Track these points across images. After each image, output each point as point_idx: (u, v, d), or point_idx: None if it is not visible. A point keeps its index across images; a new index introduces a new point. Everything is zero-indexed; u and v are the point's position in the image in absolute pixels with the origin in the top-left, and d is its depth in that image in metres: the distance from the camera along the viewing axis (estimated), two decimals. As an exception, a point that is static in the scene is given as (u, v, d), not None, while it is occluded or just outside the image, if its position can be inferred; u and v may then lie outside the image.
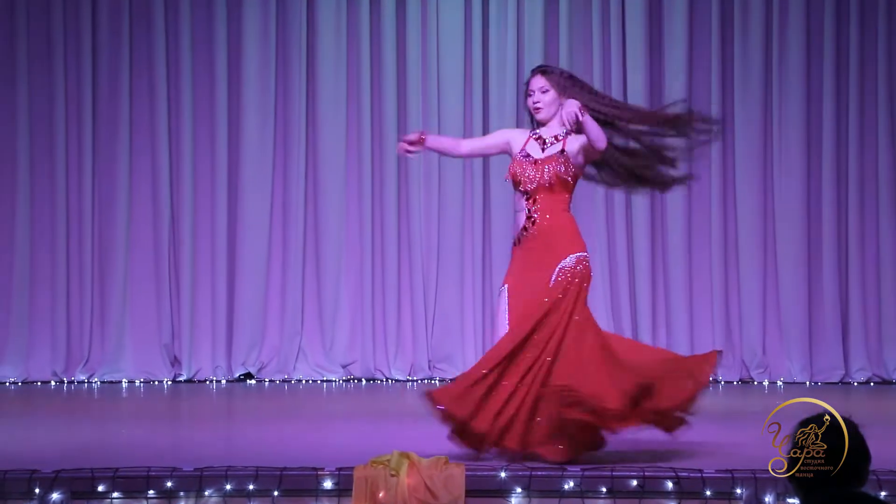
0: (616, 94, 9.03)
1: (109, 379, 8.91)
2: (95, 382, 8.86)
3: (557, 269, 5.35)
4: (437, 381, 8.98)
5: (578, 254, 5.40)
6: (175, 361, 9.00)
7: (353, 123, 9.07)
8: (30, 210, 8.90)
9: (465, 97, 9.11)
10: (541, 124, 5.54)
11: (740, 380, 8.98)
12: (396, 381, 9.01)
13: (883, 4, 9.02)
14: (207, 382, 8.93)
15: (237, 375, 9.00)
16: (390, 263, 9.05)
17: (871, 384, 8.90)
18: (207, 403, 8.15)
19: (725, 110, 9.06)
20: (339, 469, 4.88)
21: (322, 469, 4.90)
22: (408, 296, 9.09)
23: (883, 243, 9.03)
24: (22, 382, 8.82)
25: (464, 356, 9.05)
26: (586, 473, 4.89)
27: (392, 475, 4.83)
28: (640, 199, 9.05)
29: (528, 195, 5.45)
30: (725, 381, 8.94)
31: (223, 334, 8.99)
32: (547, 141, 5.50)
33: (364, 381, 8.98)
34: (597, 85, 9.00)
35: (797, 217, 9.04)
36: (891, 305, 9.01)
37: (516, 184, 5.49)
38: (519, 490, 4.84)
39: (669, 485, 4.83)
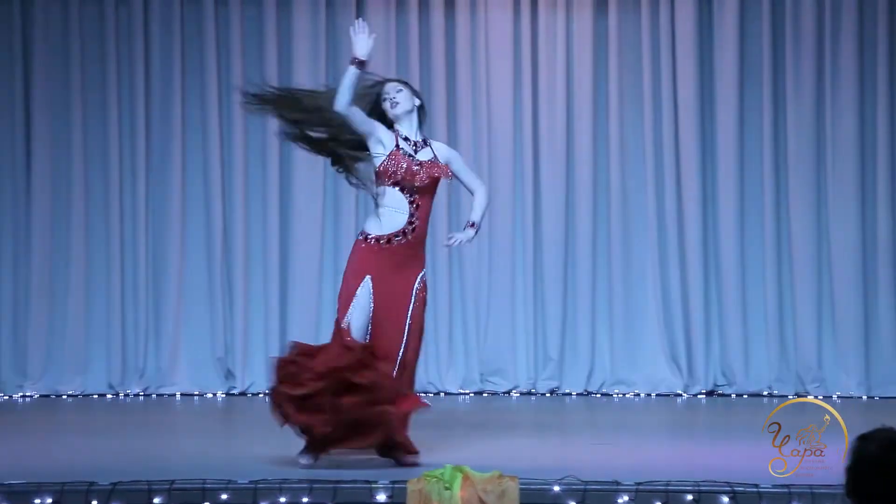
0: (667, 105, 9.01)
1: (164, 392, 8.97)
2: (151, 395, 8.93)
3: (418, 280, 5.76)
4: (488, 394, 8.98)
5: (425, 269, 5.82)
6: (229, 374, 9.05)
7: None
8: (85, 226, 8.99)
9: (515, 105, 9.10)
10: (393, 123, 5.85)
11: (796, 394, 8.89)
12: (448, 393, 9.01)
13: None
14: (261, 395, 8.97)
15: (290, 388, 9.02)
16: (441, 275, 9.05)
17: (930, 398, 8.79)
18: (261, 416, 8.17)
19: (777, 120, 9.00)
20: (393, 482, 4.89)
21: (376, 482, 4.91)
22: (459, 308, 9.10)
23: (942, 254, 8.92)
24: (79, 395, 8.91)
25: (515, 368, 9.04)
26: (641, 487, 4.86)
27: (446, 489, 4.83)
28: (693, 213, 9.01)
29: (411, 197, 5.71)
30: (780, 395, 8.86)
31: (276, 347, 9.02)
32: (417, 144, 5.84)
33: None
34: (647, 96, 9.06)
35: (852, 229, 8.95)
36: (950, 318, 8.90)
37: (396, 182, 5.69)
38: (573, 503, 4.83)
39: (725, 499, 4.79)
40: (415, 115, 5.91)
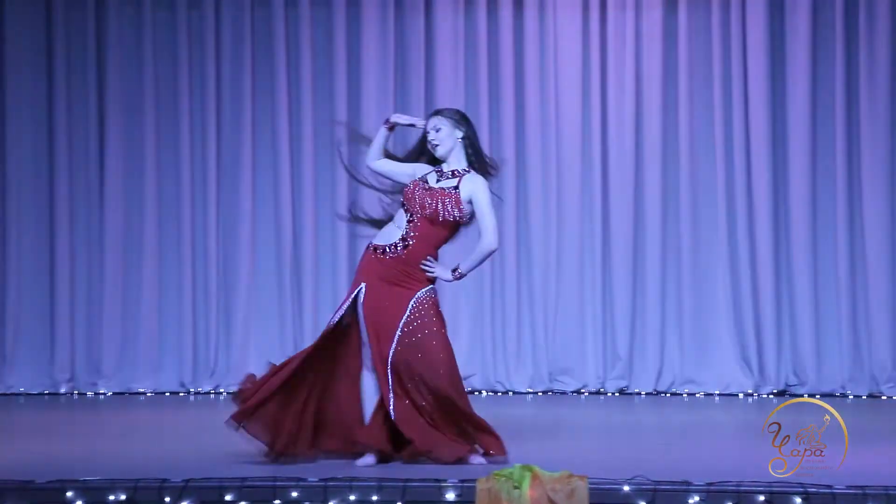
0: (737, 103, 8.92)
1: (234, 390, 9.03)
2: (221, 393, 9.02)
3: (413, 300, 5.72)
4: (556, 394, 8.95)
5: (431, 287, 5.78)
6: (298, 373, 9.10)
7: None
8: (157, 227, 9.10)
9: (583, 105, 9.06)
10: (442, 161, 5.86)
11: (869, 394, 8.77)
12: (517, 392, 9.00)
13: None
14: (330, 394, 9.01)
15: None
16: (510, 274, 9.04)
17: None
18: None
19: (851, 118, 8.88)
20: (462, 481, 4.90)
21: (445, 481, 4.91)
22: (527, 307, 9.09)
23: None
24: (152, 393, 9.02)
25: (584, 367, 9.01)
26: (712, 488, 4.83)
27: (515, 488, 4.82)
28: (764, 211, 8.93)
29: (410, 217, 5.78)
30: (854, 396, 8.75)
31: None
32: (444, 173, 5.84)
33: (484, 393, 8.98)
34: (717, 95, 8.98)
35: (928, 227, 8.82)
36: None
37: (404, 205, 5.81)
38: (643, 503, 4.80)
39: (798, 501, 4.74)
40: (460, 149, 5.88)
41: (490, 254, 5.86)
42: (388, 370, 5.68)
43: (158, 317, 9.08)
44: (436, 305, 5.81)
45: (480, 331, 9.05)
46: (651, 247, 9.02)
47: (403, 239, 5.78)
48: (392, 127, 5.96)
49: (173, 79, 9.09)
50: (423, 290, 5.77)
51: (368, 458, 5.67)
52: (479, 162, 5.90)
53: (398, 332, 5.69)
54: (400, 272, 5.77)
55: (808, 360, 8.87)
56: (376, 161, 5.96)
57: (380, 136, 5.98)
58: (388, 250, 5.79)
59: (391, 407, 5.65)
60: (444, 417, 5.70)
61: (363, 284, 5.78)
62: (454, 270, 5.82)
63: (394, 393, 5.67)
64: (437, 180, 5.82)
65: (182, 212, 9.10)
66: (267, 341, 9.09)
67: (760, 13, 8.92)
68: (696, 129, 9.04)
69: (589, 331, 9.03)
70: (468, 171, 5.86)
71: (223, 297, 9.11)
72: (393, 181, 5.98)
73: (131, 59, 9.09)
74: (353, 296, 5.80)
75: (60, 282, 9.05)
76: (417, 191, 5.79)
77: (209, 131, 9.10)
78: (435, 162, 5.92)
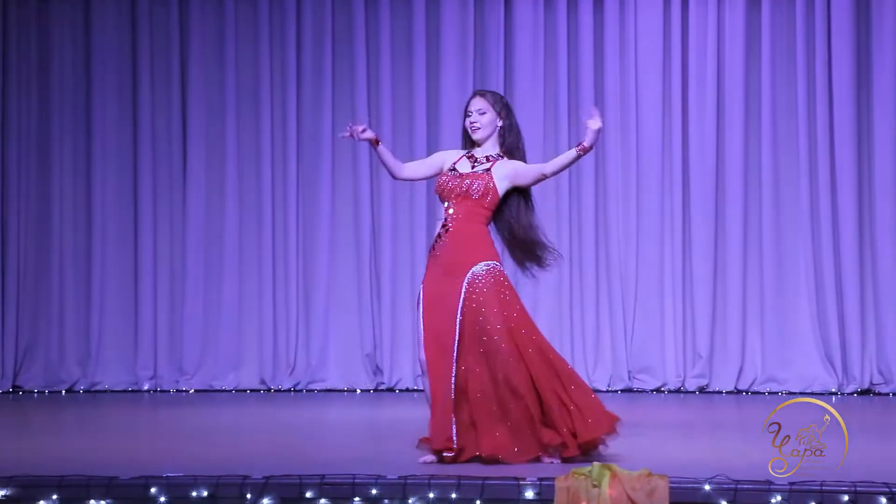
0: (821, 100, 8.79)
1: (314, 387, 9.12)
2: (301, 391, 9.09)
3: (467, 278, 5.53)
4: (636, 392, 8.90)
5: (488, 262, 5.55)
6: (377, 370, 9.15)
7: (549, 132, 9.07)
8: (237, 226, 9.20)
9: (664, 101, 9.00)
10: (476, 144, 5.70)
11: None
12: (596, 391, 8.95)
13: None
14: (408, 391, 9.05)
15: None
16: (588, 273, 9.01)
17: None
18: (409, 412, 8.25)
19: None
20: (541, 479, 4.88)
21: (524, 479, 4.91)
22: (606, 305, 9.04)
23: None
24: (233, 390, 9.12)
25: (664, 366, 8.94)
26: (794, 487, 4.76)
27: (594, 486, 4.80)
28: (848, 207, 8.79)
29: (446, 204, 5.63)
30: (940, 394, 8.61)
31: (423, 344, 9.09)
32: (478, 159, 5.66)
33: (563, 392, 8.95)
34: (800, 92, 8.86)
35: None
36: None
37: (440, 196, 5.66)
38: (724, 503, 4.74)
39: (883, 500, 4.66)
40: (495, 138, 5.71)
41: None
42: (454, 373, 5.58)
43: (239, 315, 9.17)
44: (497, 279, 5.56)
45: (559, 329, 9.02)
46: (732, 243, 8.93)
47: (444, 226, 5.64)
48: (375, 141, 5.67)
49: (254, 73, 9.17)
50: (475, 267, 5.57)
51: (429, 457, 5.63)
52: (511, 154, 5.69)
53: (455, 333, 5.54)
54: (451, 257, 5.59)
55: (893, 358, 8.72)
56: (400, 172, 5.76)
57: (382, 156, 5.71)
58: (436, 246, 5.67)
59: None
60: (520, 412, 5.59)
61: (421, 286, 5.68)
62: (579, 146, 5.49)
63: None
64: (472, 167, 5.66)
65: (262, 211, 9.18)
66: (346, 340, 9.14)
67: (846, 8, 8.78)
68: (779, 125, 8.93)
69: (668, 329, 8.97)
70: (501, 157, 5.69)
71: (303, 295, 9.18)
72: (428, 178, 5.83)
73: (212, 59, 9.19)
74: (419, 303, 5.69)
75: (144, 281, 9.18)
76: (448, 180, 5.66)
77: (289, 130, 9.17)
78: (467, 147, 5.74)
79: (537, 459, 5.55)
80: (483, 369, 5.56)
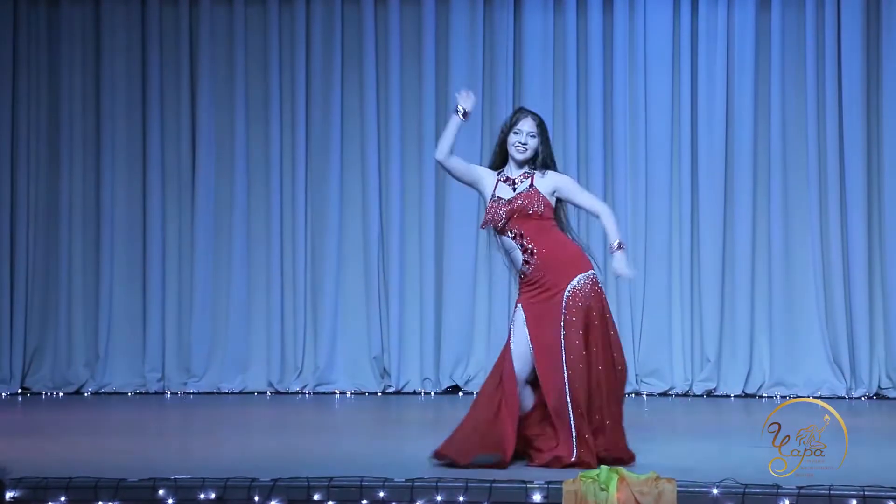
0: (830, 103, 8.78)
1: (321, 390, 9.12)
2: (308, 393, 9.09)
3: (566, 295, 5.54)
4: (644, 395, 8.89)
5: (586, 273, 5.58)
6: (384, 373, 9.15)
7: (558, 135, 9.06)
8: (246, 228, 9.20)
9: (673, 103, 9.00)
10: (511, 164, 5.70)
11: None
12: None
13: None
14: (416, 394, 9.06)
15: (445, 388, 9.10)
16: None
17: None
18: (417, 415, 8.26)
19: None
20: (549, 483, 4.88)
21: (531, 482, 4.90)
22: (614, 308, 8.97)
23: None
24: (240, 392, 9.12)
25: (672, 370, 8.93)
26: (803, 491, 4.76)
27: (601, 490, 4.80)
28: (857, 212, 8.78)
29: (512, 233, 5.61)
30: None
31: (431, 347, 9.10)
32: (516, 181, 5.67)
33: (571, 395, 8.94)
34: (810, 94, 8.84)
35: None
36: None
37: (497, 229, 5.65)
38: (732, 507, 4.75)
39: (892, 505, 4.66)
40: (531, 155, 5.72)
41: (612, 215, 5.70)
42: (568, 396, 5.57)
43: (247, 318, 9.18)
44: (587, 295, 5.58)
45: (567, 332, 8.99)
46: (740, 248, 8.92)
47: (524, 250, 5.60)
48: (465, 114, 5.63)
49: (264, 78, 9.18)
50: (573, 283, 5.57)
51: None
52: (546, 166, 5.72)
53: (562, 354, 5.52)
54: (545, 280, 5.57)
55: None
56: (449, 156, 5.65)
57: (452, 126, 5.62)
58: (524, 272, 5.62)
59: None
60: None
61: (519, 306, 5.62)
62: (619, 248, 5.60)
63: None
64: (514, 189, 5.67)
65: (271, 214, 9.18)
66: (354, 342, 9.14)
67: (856, 9, 8.77)
68: (788, 129, 8.92)
69: (676, 333, 8.96)
70: (534, 170, 5.69)
71: (311, 298, 9.18)
72: (456, 179, 5.80)
73: (223, 63, 9.20)
74: (514, 321, 5.64)
75: (152, 283, 9.19)
76: (499, 210, 5.64)
77: (298, 134, 9.18)
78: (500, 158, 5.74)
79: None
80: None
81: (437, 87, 9.11)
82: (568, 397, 5.52)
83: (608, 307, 5.67)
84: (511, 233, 5.65)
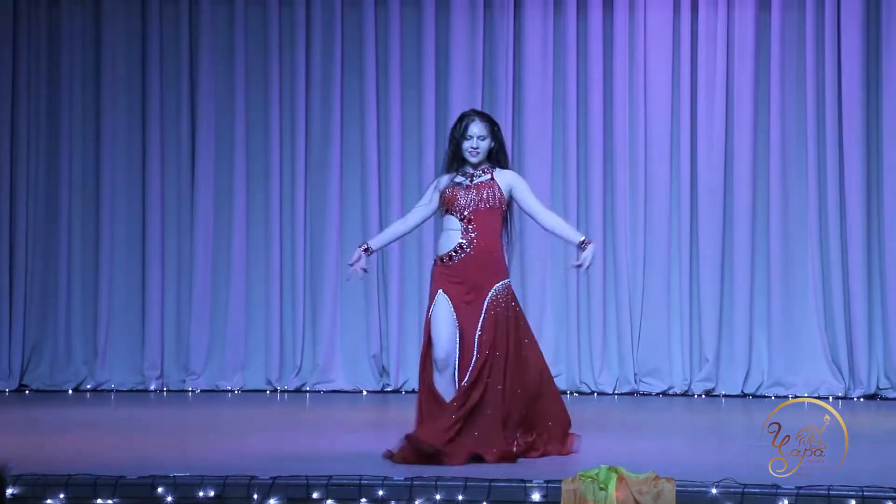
0: (830, 104, 8.78)
1: (320, 388, 9.12)
2: (306, 392, 9.09)
3: (490, 294, 5.77)
4: (642, 395, 8.89)
5: (504, 280, 5.84)
6: (383, 372, 9.16)
7: (558, 140, 9.07)
8: (245, 225, 9.19)
9: (673, 105, 8.99)
10: (467, 167, 5.93)
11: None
12: (602, 394, 8.96)
13: None
14: (414, 393, 9.04)
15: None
16: (595, 275, 8.99)
17: None
18: (415, 414, 8.24)
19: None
20: (548, 482, 4.89)
21: (530, 481, 4.91)
22: (613, 308, 9.03)
23: None
24: (239, 391, 9.12)
25: (671, 369, 8.93)
26: (802, 491, 4.76)
27: (601, 489, 4.80)
28: (856, 212, 8.78)
29: (462, 215, 5.81)
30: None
31: (430, 346, 9.09)
32: (474, 174, 5.89)
33: (569, 394, 8.95)
34: (810, 96, 8.84)
35: None
36: None
37: (450, 209, 5.84)
38: (731, 507, 4.75)
39: (890, 505, 4.66)
40: (483, 156, 5.95)
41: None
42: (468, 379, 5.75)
43: (246, 315, 9.17)
44: (507, 302, 5.86)
45: (566, 331, 9.01)
46: (739, 247, 8.92)
47: (465, 236, 5.82)
48: (367, 249, 6.10)
49: (264, 77, 9.16)
50: (497, 286, 5.84)
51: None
52: (500, 164, 5.98)
53: (475, 343, 5.75)
54: (474, 271, 5.81)
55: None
56: (409, 224, 6.09)
57: (383, 242, 6.30)
58: (454, 255, 5.83)
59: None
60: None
61: (440, 291, 5.85)
62: (586, 243, 5.88)
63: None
64: (472, 180, 5.89)
65: (270, 212, 9.18)
66: (353, 341, 9.14)
67: (856, 9, 8.77)
68: (788, 128, 8.92)
69: (675, 332, 8.96)
70: (493, 167, 5.94)
71: (310, 296, 9.18)
72: (435, 208, 5.99)
73: (223, 62, 9.18)
74: (434, 309, 5.86)
75: (151, 280, 9.18)
76: (457, 192, 5.86)
77: (298, 132, 9.17)
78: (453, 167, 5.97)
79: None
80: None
81: (437, 88, 9.10)
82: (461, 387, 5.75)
83: (522, 314, 5.95)
84: (461, 214, 5.83)
